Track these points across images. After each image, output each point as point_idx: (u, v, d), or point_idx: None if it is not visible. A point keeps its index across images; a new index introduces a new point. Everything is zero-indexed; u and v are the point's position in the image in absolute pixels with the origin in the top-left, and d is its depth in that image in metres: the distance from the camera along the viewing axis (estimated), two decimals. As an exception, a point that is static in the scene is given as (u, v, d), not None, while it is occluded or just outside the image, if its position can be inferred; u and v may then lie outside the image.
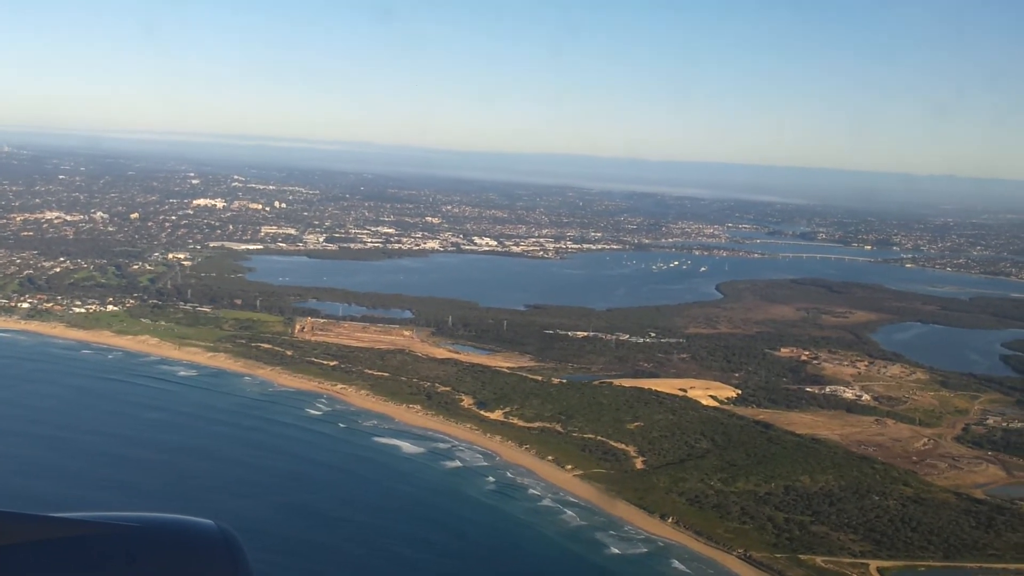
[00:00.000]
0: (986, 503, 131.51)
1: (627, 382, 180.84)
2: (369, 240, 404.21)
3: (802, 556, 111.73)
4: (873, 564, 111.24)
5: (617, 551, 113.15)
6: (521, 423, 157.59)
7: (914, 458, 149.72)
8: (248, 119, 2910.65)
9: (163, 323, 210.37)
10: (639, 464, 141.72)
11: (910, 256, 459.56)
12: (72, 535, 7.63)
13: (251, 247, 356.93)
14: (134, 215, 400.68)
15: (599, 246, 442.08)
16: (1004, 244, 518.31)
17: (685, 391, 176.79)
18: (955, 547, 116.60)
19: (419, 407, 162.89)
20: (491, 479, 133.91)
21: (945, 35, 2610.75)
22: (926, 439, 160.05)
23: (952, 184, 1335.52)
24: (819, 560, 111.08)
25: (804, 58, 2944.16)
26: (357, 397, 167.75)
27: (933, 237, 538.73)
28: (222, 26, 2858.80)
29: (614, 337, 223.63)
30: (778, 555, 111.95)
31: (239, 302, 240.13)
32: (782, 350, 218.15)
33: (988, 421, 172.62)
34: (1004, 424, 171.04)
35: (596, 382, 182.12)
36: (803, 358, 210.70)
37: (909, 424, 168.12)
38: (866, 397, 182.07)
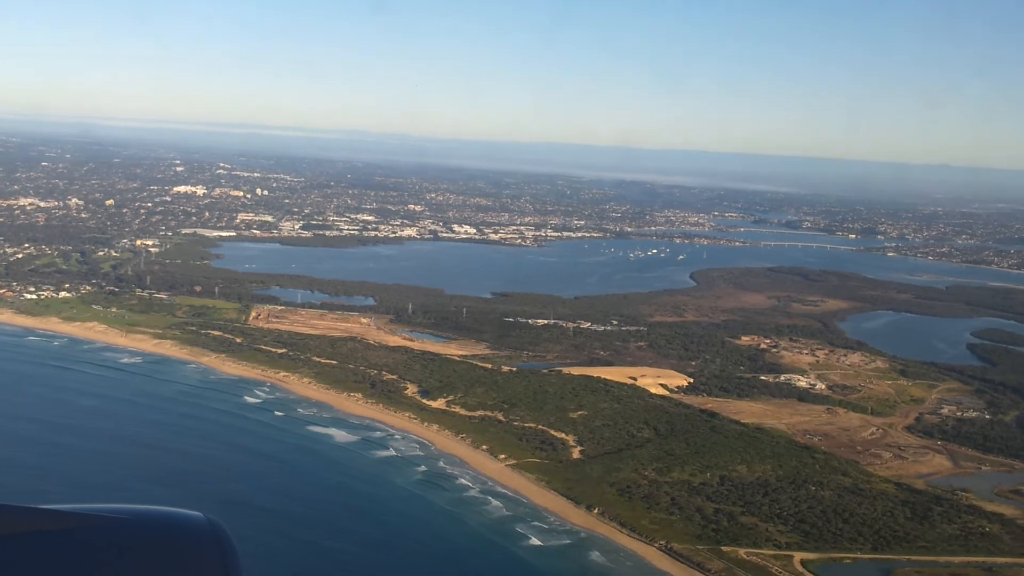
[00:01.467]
0: (925, 494, 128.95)
1: (578, 370, 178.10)
2: (346, 227, 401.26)
3: (725, 548, 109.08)
4: (798, 556, 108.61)
5: (538, 542, 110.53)
6: (463, 412, 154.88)
7: (859, 448, 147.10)
8: (243, 108, 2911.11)
9: (115, 310, 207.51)
10: (576, 454, 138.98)
11: (893, 245, 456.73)
12: (61, 527, 7.52)
13: (224, 234, 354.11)
14: (109, 202, 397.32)
15: (580, 234, 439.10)
16: (990, 233, 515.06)
17: (635, 379, 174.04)
18: (885, 539, 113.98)
19: (360, 395, 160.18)
20: (422, 469, 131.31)
21: (940, 24, 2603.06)
22: (875, 428, 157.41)
23: (946, 173, 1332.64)
24: (742, 552, 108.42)
25: (800, 48, 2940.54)
26: (299, 385, 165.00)
27: (919, 226, 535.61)
28: (217, 15, 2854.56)
29: (573, 325, 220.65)
30: (700, 547, 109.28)
31: (199, 289, 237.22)
32: (743, 338, 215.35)
33: (943, 410, 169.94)
34: (958, 413, 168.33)
35: (546, 370, 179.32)
36: (763, 346, 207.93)
37: (861, 413, 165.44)
38: (820, 386, 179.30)
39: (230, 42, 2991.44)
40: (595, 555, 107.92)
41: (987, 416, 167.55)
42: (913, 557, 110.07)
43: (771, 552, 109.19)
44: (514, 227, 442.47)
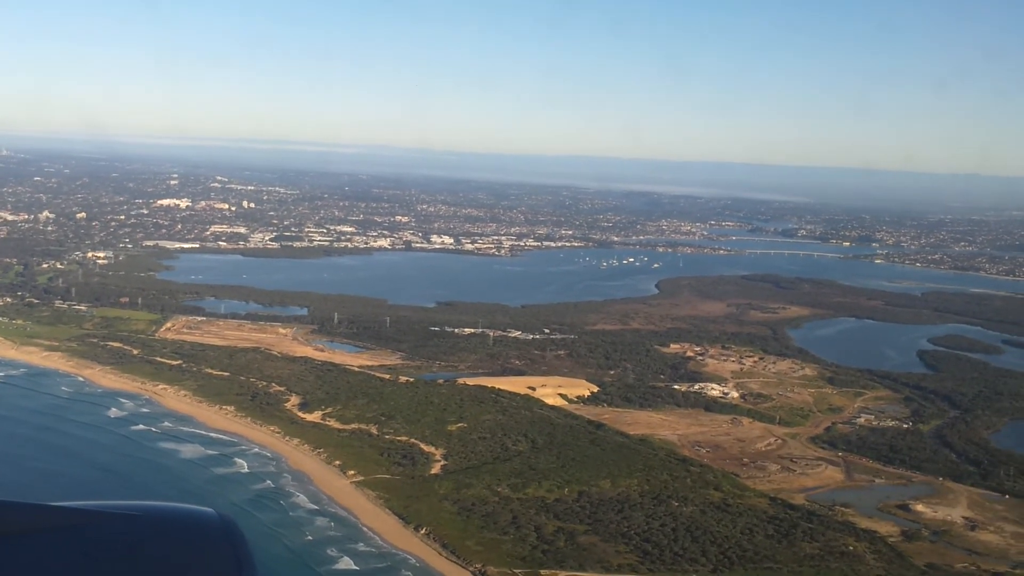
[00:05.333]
0: (799, 509, 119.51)
1: (476, 380, 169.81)
2: (319, 239, 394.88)
3: (544, 572, 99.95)
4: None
5: (346, 566, 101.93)
6: (336, 425, 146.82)
7: (746, 460, 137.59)
8: (269, 124, 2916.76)
9: (20, 321, 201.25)
10: (436, 468, 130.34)
11: (885, 252, 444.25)
12: (73, 524, 7.45)
13: (186, 246, 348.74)
14: (81, 215, 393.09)
15: (561, 243, 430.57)
16: (991, 240, 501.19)
17: (534, 389, 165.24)
18: (731, 559, 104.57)
19: (232, 408, 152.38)
20: (262, 486, 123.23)
21: (969, 29, 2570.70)
22: (775, 439, 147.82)
23: (973, 183, 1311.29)
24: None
25: (824, 57, 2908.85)
26: (174, 398, 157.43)
27: (919, 233, 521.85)
28: (247, 32, 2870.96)
29: (501, 334, 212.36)
30: (517, 571, 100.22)
31: (125, 300, 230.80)
32: (671, 346, 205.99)
33: (859, 420, 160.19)
34: (874, 423, 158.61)
35: (441, 381, 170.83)
36: (689, 354, 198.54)
37: (767, 423, 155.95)
38: (734, 395, 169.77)
39: (258, 59, 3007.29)
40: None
41: (904, 426, 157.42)
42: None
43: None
44: (495, 237, 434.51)
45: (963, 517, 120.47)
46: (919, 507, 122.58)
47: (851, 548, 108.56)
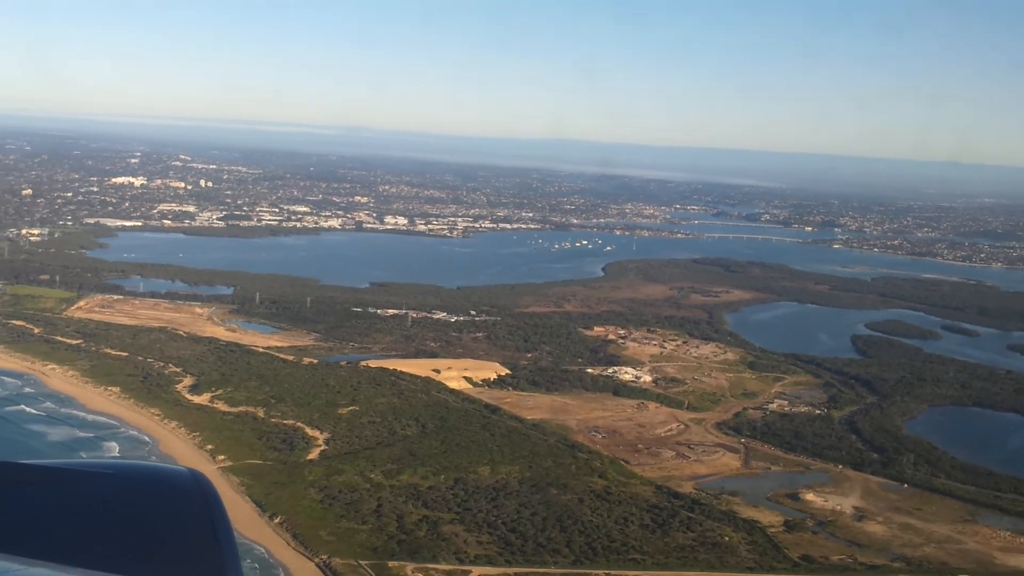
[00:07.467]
0: (683, 498, 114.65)
1: (379, 363, 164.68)
2: (268, 218, 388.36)
3: (392, 563, 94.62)
4: (476, 572, 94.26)
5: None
6: (224, 407, 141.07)
7: (641, 446, 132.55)
8: (247, 105, 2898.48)
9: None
10: (314, 454, 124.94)
11: (845, 237, 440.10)
12: (48, 481, 7.55)
13: (128, 224, 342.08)
14: (26, 191, 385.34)
15: (517, 225, 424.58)
16: (955, 227, 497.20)
17: (439, 372, 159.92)
18: (595, 550, 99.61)
19: (118, 390, 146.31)
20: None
21: (952, 14, 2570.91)
22: (678, 424, 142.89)
23: (952, 170, 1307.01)
24: (410, 568, 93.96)
25: (811, 45, 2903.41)
26: (60, 379, 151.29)
27: (883, 219, 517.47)
28: (225, 15, 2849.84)
29: (425, 315, 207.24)
30: (364, 562, 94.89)
31: (45, 278, 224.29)
32: (595, 329, 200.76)
33: (772, 405, 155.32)
34: (787, 409, 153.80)
35: (344, 363, 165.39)
36: (611, 337, 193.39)
37: (675, 408, 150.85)
38: (646, 379, 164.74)
39: (237, 40, 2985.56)
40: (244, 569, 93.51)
41: (817, 412, 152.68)
42: (613, 572, 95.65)
43: (447, 567, 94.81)
44: (452, 218, 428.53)
45: (853, 507, 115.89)
46: (809, 496, 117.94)
47: (726, 539, 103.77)
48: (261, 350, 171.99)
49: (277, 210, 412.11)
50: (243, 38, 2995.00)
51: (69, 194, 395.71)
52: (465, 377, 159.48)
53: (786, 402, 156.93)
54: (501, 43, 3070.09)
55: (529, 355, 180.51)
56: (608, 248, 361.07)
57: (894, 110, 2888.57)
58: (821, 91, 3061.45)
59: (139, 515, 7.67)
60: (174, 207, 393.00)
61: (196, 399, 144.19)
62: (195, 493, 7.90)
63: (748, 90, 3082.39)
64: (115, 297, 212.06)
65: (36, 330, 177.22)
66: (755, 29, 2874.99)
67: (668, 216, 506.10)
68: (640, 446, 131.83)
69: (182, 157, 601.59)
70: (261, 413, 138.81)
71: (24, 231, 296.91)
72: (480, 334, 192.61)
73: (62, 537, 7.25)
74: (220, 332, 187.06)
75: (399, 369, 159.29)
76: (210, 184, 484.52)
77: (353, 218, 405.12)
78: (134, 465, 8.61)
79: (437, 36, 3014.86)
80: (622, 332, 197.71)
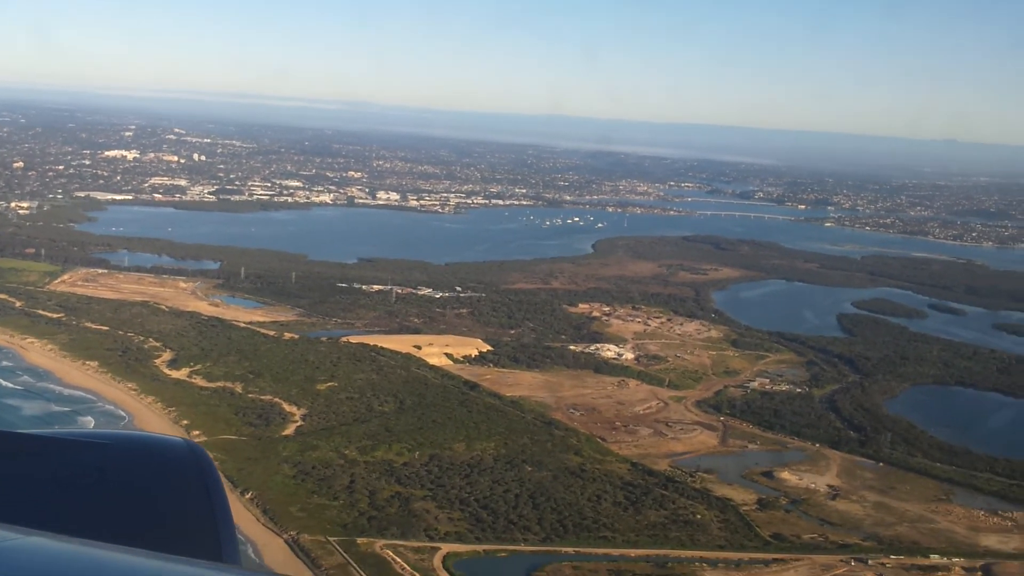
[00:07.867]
0: (658, 475, 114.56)
1: (360, 339, 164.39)
2: (260, 193, 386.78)
3: (361, 540, 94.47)
4: (445, 549, 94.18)
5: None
6: (202, 383, 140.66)
7: (619, 423, 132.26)
8: (251, 78, 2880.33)
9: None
10: (290, 430, 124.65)
11: (837, 216, 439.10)
12: (44, 449, 7.53)
13: (119, 197, 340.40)
14: (18, 164, 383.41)
15: (509, 202, 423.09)
16: (947, 206, 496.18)
17: (420, 348, 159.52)
18: (566, 527, 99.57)
19: (96, 364, 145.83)
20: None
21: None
22: (657, 402, 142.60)
23: (950, 149, 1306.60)
24: (378, 545, 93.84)
25: (810, 23, 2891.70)
26: (39, 353, 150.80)
27: (876, 197, 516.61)
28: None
29: (410, 291, 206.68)
30: (333, 538, 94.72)
31: (31, 251, 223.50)
32: (580, 306, 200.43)
33: (753, 384, 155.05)
34: (769, 387, 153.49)
35: (325, 338, 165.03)
36: (595, 314, 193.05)
37: (656, 385, 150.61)
38: (628, 356, 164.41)
39: (240, 13, 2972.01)
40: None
41: (798, 390, 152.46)
42: (583, 549, 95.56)
43: (417, 544, 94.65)
44: (445, 194, 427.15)
45: (828, 485, 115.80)
46: (784, 474, 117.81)
47: (698, 517, 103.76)
48: (243, 325, 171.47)
49: (269, 184, 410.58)
50: (246, 12, 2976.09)
51: (61, 167, 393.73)
52: (446, 353, 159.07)
53: (767, 380, 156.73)
54: (502, 19, 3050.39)
55: (512, 332, 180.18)
56: (600, 225, 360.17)
57: (892, 88, 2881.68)
58: (820, 69, 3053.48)
59: (135, 485, 7.69)
60: (166, 181, 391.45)
61: (174, 374, 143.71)
62: (190, 463, 7.91)
63: (747, 68, 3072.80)
64: (99, 271, 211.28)
65: (17, 303, 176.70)
66: (754, 6, 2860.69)
67: (662, 193, 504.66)
68: (618, 423, 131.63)
69: (176, 130, 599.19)
70: (239, 388, 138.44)
71: (13, 204, 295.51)
72: (464, 310, 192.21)
73: (58, 507, 7.22)
74: (203, 307, 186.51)
75: (380, 345, 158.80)
76: (203, 158, 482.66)
77: (345, 193, 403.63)
78: (130, 435, 8.55)
79: (439, 11, 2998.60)
80: (607, 309, 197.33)
